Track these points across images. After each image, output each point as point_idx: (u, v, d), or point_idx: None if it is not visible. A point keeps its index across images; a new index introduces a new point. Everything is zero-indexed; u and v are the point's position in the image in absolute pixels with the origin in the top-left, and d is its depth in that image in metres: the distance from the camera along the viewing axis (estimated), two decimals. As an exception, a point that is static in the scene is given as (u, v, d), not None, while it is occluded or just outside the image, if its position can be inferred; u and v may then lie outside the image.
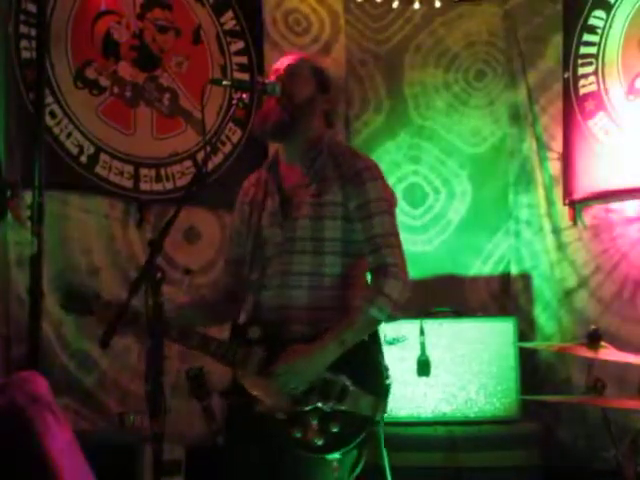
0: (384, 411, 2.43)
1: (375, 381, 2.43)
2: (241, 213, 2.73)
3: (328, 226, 2.52)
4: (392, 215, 2.56)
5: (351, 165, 2.55)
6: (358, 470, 2.50)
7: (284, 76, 2.61)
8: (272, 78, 2.63)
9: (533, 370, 4.59)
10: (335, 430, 2.36)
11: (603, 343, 3.36)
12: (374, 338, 2.51)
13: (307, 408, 2.38)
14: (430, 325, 4.37)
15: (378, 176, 2.57)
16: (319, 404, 2.38)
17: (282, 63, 2.65)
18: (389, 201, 2.56)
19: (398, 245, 2.52)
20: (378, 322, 2.47)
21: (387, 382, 2.44)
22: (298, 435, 2.37)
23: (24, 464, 1.87)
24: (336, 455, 2.38)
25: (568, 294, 4.63)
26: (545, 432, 4.35)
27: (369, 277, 2.57)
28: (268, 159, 2.76)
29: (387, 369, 2.46)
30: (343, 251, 2.53)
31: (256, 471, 2.48)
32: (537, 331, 4.76)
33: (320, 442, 2.36)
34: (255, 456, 2.47)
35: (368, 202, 2.51)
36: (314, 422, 2.37)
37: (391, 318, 2.49)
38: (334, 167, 2.56)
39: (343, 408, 2.37)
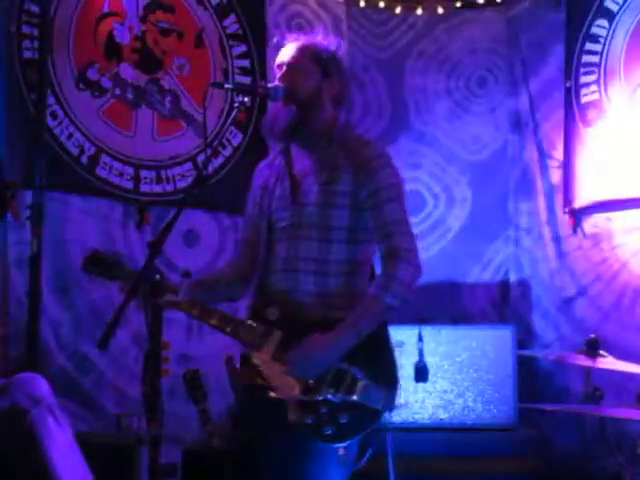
0: (393, 405, 2.42)
1: (386, 374, 2.42)
2: (254, 195, 2.75)
3: (335, 214, 2.53)
4: (403, 202, 2.55)
5: (362, 153, 2.56)
6: (364, 459, 2.51)
7: (287, 75, 2.61)
8: (277, 73, 2.64)
9: (531, 378, 4.59)
10: (344, 421, 2.36)
11: (602, 351, 3.36)
12: (385, 330, 2.51)
13: (318, 397, 2.39)
14: (428, 331, 4.36)
15: (388, 163, 2.58)
16: (329, 395, 2.38)
17: (284, 57, 2.65)
18: (399, 188, 2.56)
19: (409, 231, 2.52)
20: (393, 308, 2.46)
21: (398, 376, 2.43)
22: (309, 421, 2.38)
23: (25, 465, 1.87)
24: (343, 444, 2.39)
25: (567, 302, 4.63)
26: (543, 440, 4.34)
27: (380, 264, 2.56)
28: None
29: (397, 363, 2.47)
30: (350, 238, 2.54)
31: (269, 455, 2.47)
32: (535, 339, 4.75)
33: (329, 431, 2.36)
34: (268, 439, 2.47)
35: (378, 190, 2.52)
36: (324, 411, 2.37)
37: (405, 303, 2.48)
38: (345, 155, 2.57)
39: (352, 399, 2.37)
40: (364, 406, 2.37)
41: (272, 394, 2.42)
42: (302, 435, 2.38)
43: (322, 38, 2.72)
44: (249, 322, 2.53)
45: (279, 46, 2.72)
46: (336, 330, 2.42)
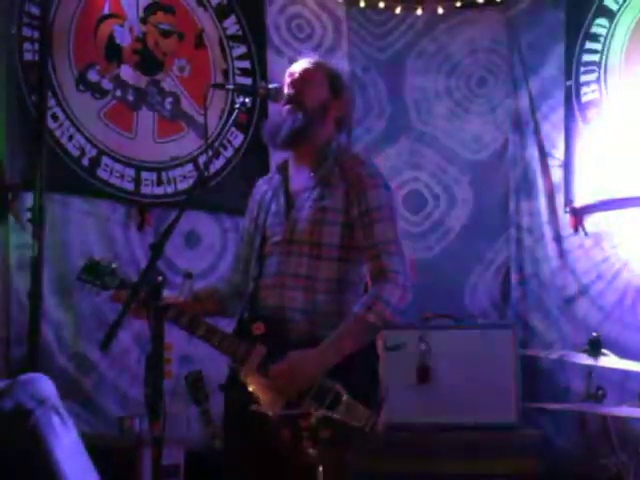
0: (376, 424, 2.41)
1: (370, 393, 2.42)
2: (250, 212, 2.77)
3: (326, 231, 2.54)
4: (394, 222, 2.57)
5: (355, 172, 2.58)
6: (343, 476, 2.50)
7: (297, 82, 2.63)
8: (287, 82, 2.65)
9: (533, 377, 4.58)
10: (324, 437, 2.36)
11: (604, 350, 3.36)
12: (373, 348, 2.51)
13: (300, 412, 2.38)
14: (430, 332, 4.36)
15: (381, 184, 2.59)
16: (311, 409, 2.37)
17: (297, 67, 2.67)
18: (391, 209, 2.57)
19: (398, 252, 2.53)
20: (377, 328, 2.47)
21: (382, 395, 2.43)
22: (288, 436, 2.38)
23: (30, 466, 1.87)
24: (323, 461, 2.37)
25: (569, 302, 4.63)
26: (545, 440, 4.34)
27: (369, 284, 2.57)
28: (281, 160, 2.78)
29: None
30: (340, 257, 2.55)
31: (249, 468, 2.49)
32: (537, 338, 4.75)
33: (308, 447, 2.35)
34: (249, 453, 2.50)
35: (369, 210, 2.53)
36: (305, 426, 2.37)
37: (391, 324, 2.49)
38: (339, 174, 2.58)
39: (335, 416, 2.37)
40: (346, 423, 2.37)
41: (255, 407, 2.43)
42: (282, 452, 2.39)
43: (335, 62, 2.77)
44: (234, 336, 2.54)
45: (292, 61, 2.74)
46: (318, 348, 2.42)
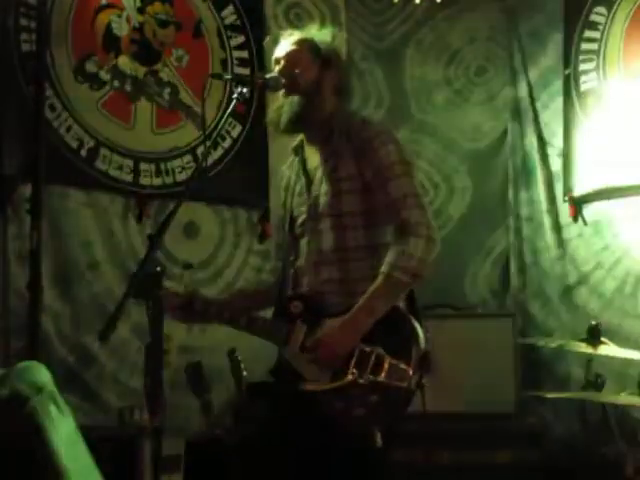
0: (420, 381, 2.42)
1: (410, 351, 2.42)
2: (279, 198, 2.80)
3: (346, 200, 2.54)
4: (409, 176, 2.55)
5: (361, 136, 2.58)
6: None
7: (286, 67, 2.62)
8: (274, 69, 2.65)
9: (532, 366, 4.59)
10: (374, 400, 2.36)
11: (603, 339, 3.37)
12: (411, 306, 2.52)
13: (347, 381, 2.38)
14: (429, 321, 4.34)
15: (389, 141, 2.57)
16: (357, 377, 2.37)
17: (282, 51, 2.66)
18: (404, 163, 2.56)
19: (418, 204, 2.52)
20: (406, 284, 2.47)
21: (423, 352, 2.43)
22: (340, 407, 2.38)
23: (27, 455, 1.87)
24: (377, 426, 2.38)
25: (568, 290, 4.63)
26: (544, 428, 4.34)
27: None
28: (295, 142, 2.79)
29: (425, 338, 2.46)
30: (366, 223, 2.55)
31: (302, 449, 2.48)
32: (537, 327, 4.75)
33: (360, 412, 2.36)
34: (301, 432, 2.48)
35: (381, 169, 2.52)
36: (353, 394, 2.37)
37: (420, 277, 2.48)
38: (347, 141, 2.58)
39: (379, 379, 2.37)
40: (392, 385, 2.37)
41: (303, 386, 2.44)
42: (336, 425, 2.38)
43: (318, 29, 2.74)
44: (274, 319, 2.57)
45: (275, 42, 2.73)
46: (350, 313, 2.43)
